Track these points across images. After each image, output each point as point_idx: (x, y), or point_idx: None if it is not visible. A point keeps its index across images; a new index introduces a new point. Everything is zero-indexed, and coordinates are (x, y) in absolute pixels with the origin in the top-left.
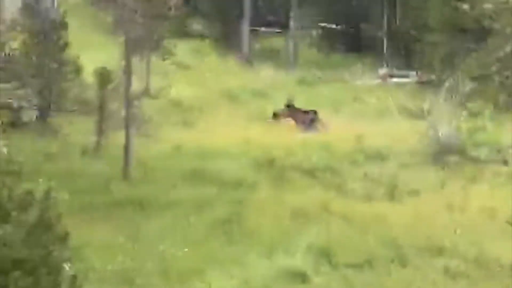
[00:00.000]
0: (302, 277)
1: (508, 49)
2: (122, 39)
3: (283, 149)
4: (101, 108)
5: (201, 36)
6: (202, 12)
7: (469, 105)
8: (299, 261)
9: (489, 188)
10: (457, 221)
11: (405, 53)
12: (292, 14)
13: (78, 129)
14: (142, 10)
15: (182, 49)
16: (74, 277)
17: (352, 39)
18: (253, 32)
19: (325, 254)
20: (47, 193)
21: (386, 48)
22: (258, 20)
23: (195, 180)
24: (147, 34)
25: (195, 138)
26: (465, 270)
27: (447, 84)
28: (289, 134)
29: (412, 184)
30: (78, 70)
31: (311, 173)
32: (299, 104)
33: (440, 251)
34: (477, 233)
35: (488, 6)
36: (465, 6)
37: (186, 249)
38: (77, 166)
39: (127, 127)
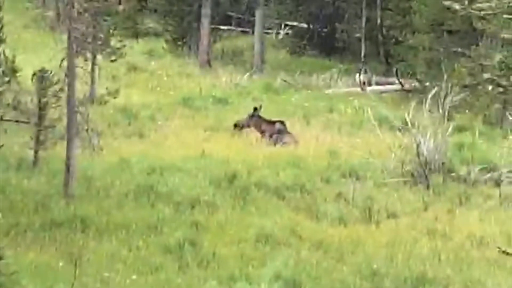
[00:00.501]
0: None
1: (501, 54)
2: (65, 37)
3: (246, 164)
4: (40, 116)
5: (155, 35)
6: (156, 8)
7: (457, 117)
8: None
9: (479, 213)
10: (442, 250)
11: (386, 57)
12: (258, 11)
13: (14, 140)
14: (86, 3)
15: (134, 49)
16: None
17: (326, 41)
18: (214, 31)
19: (293, 285)
20: None
21: (365, 51)
22: (220, 18)
23: (145, 198)
24: (92, 32)
25: (146, 151)
26: None
27: (432, 93)
28: (253, 147)
29: (392, 206)
30: (13, 72)
31: (278, 192)
32: (265, 113)
33: (422, 283)
34: (464, 263)
35: (482, 5)
36: (456, 6)
37: (134, 277)
38: (12, 182)
39: (69, 138)
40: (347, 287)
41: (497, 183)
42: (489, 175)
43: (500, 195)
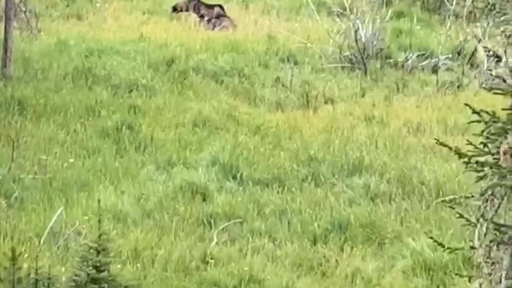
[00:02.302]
0: (203, 194)
1: None
2: None
3: (184, 48)
4: None
5: None
6: None
7: (396, 3)
8: (201, 176)
9: (416, 100)
10: (378, 136)
11: None
12: None
13: None
14: None
15: None
16: None
17: None
18: None
19: (230, 170)
20: None
21: None
22: None
23: (83, 81)
24: None
25: (84, 33)
26: (386, 190)
27: None
28: (191, 31)
29: (329, 92)
30: None
31: (216, 76)
32: None
33: (358, 169)
34: (400, 150)
35: None
36: None
37: (71, 160)
38: None
39: (7, 19)
40: (284, 172)
41: (434, 70)
42: (426, 61)
43: (437, 82)
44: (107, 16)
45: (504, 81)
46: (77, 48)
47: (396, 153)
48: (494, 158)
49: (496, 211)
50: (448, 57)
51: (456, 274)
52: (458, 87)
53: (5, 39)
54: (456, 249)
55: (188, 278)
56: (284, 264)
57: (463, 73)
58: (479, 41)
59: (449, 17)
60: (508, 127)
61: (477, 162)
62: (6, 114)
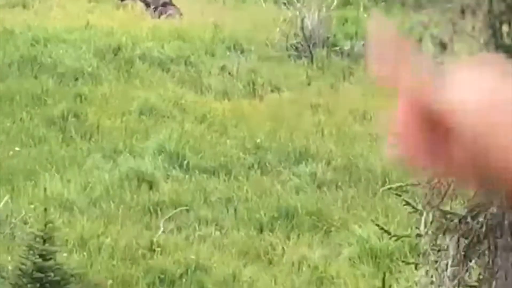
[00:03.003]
0: (150, 182)
1: None
2: None
3: (130, 36)
4: None
5: None
6: None
7: None
8: (147, 164)
9: (362, 88)
10: (325, 124)
11: None
12: None
13: None
14: None
15: None
16: None
17: None
18: None
19: (176, 158)
20: None
21: None
22: None
23: (29, 69)
24: None
25: (30, 21)
26: (333, 178)
27: None
28: (137, 19)
29: (276, 80)
30: None
31: (162, 65)
32: None
33: (304, 157)
34: (346, 138)
35: None
36: None
37: (17, 148)
38: None
39: None
40: (230, 160)
41: None
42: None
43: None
44: (53, 4)
45: None
46: (22, 36)
47: (342, 141)
48: None
49: (442, 198)
50: None
51: (403, 261)
52: None
53: None
54: (402, 237)
55: (134, 267)
56: (230, 252)
57: None
58: (425, 28)
59: (395, 5)
60: None
61: None
62: None
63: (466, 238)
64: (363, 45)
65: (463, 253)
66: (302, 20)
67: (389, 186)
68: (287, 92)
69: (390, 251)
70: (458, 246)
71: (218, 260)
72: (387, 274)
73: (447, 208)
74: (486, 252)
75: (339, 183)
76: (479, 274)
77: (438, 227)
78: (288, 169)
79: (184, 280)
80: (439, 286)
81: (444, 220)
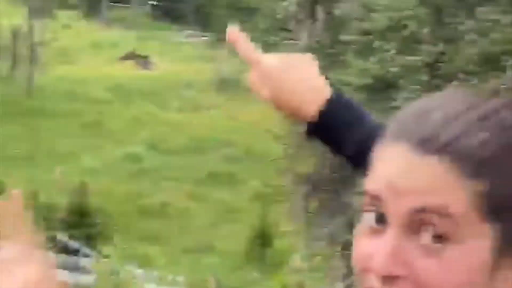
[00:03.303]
0: (139, 159)
1: None
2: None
3: (128, 78)
4: (14, 50)
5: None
6: None
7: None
8: (137, 149)
9: (257, 107)
10: (234, 126)
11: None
12: None
13: None
14: None
15: (65, 14)
16: None
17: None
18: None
19: (154, 146)
20: None
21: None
22: None
23: (71, 97)
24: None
25: (73, 71)
26: (239, 157)
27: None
28: (132, 69)
29: (206, 102)
30: None
31: (144, 93)
32: (139, 51)
33: (224, 144)
34: (247, 134)
35: None
36: None
37: (66, 141)
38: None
39: (31, 62)
40: (183, 147)
41: None
42: None
43: None
44: (87, 63)
45: None
46: (70, 79)
47: (245, 137)
48: None
49: None
50: None
51: None
52: None
53: (30, 76)
54: None
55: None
56: None
57: None
58: None
59: None
60: None
61: None
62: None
63: None
64: None
65: None
66: (220, 70)
67: None
68: (213, 110)
69: None
70: None
71: None
72: None
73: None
74: None
75: (244, 160)
76: None
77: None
78: (213, 150)
79: None
80: None
81: None
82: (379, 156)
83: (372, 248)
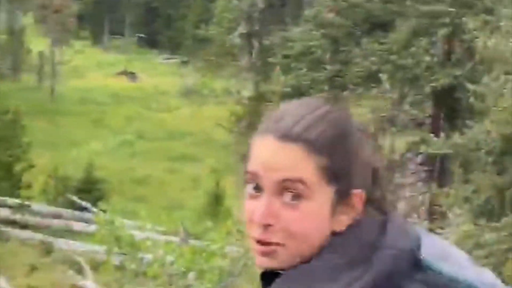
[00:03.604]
0: (131, 145)
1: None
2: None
3: (120, 88)
4: (41, 68)
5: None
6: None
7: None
8: (130, 138)
9: (212, 108)
10: (196, 121)
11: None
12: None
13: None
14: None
15: (78, 43)
16: (27, 143)
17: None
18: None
19: (141, 135)
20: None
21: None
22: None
23: (82, 102)
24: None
25: (83, 83)
26: (200, 143)
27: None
28: (122, 81)
29: (176, 105)
30: (28, 51)
31: (132, 98)
32: (129, 69)
33: (189, 134)
34: (205, 127)
35: None
36: None
37: (78, 132)
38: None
39: (52, 77)
40: (162, 136)
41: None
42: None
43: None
44: (91, 75)
45: None
46: (76, 90)
47: (203, 129)
48: None
49: None
50: None
51: None
52: None
53: (52, 87)
54: None
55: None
56: None
57: None
58: None
59: None
60: None
61: None
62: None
63: None
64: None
65: None
66: (186, 83)
67: None
68: (182, 109)
69: None
70: None
71: None
72: None
73: None
74: None
75: (202, 145)
76: None
77: None
78: (182, 137)
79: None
80: None
81: None
82: (254, 146)
83: (254, 206)
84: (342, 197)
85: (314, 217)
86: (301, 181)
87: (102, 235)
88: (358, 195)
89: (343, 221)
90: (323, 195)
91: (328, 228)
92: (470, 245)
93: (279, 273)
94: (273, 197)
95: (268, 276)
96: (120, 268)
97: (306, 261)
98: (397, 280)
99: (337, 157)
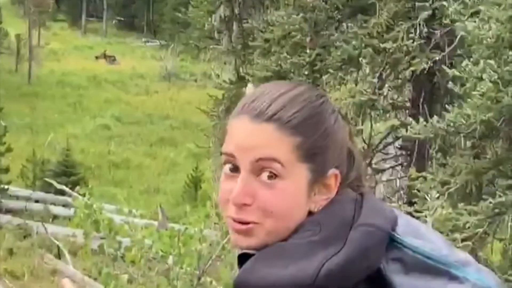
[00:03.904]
0: (108, 128)
1: None
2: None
3: (100, 71)
4: (18, 50)
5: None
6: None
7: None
8: (107, 121)
9: (189, 92)
10: (175, 105)
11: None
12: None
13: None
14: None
15: (55, 25)
16: (5, 126)
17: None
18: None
19: (119, 119)
20: None
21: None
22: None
23: (60, 85)
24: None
25: (61, 66)
26: (178, 127)
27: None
28: (102, 64)
29: (155, 88)
30: (5, 34)
31: (113, 82)
32: (108, 52)
33: (167, 118)
34: (184, 111)
35: None
36: None
37: (56, 115)
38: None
39: (30, 60)
40: (139, 118)
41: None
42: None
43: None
44: (75, 59)
45: None
46: (61, 72)
47: (183, 111)
48: None
49: None
50: None
51: None
52: None
53: (29, 71)
54: None
55: None
56: None
57: None
58: None
59: None
60: None
61: None
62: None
63: None
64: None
65: None
66: (167, 66)
67: None
68: (161, 93)
69: None
70: None
71: None
72: None
73: None
74: None
75: (182, 129)
76: None
77: None
78: (160, 122)
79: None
80: None
81: None
82: (230, 127)
83: (231, 186)
84: (317, 177)
85: (290, 196)
86: (275, 160)
87: (80, 218)
88: (333, 175)
89: (318, 201)
90: (298, 175)
91: (304, 208)
92: (448, 228)
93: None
94: (250, 177)
95: (245, 258)
96: (99, 252)
97: (282, 240)
98: (373, 257)
99: (312, 137)
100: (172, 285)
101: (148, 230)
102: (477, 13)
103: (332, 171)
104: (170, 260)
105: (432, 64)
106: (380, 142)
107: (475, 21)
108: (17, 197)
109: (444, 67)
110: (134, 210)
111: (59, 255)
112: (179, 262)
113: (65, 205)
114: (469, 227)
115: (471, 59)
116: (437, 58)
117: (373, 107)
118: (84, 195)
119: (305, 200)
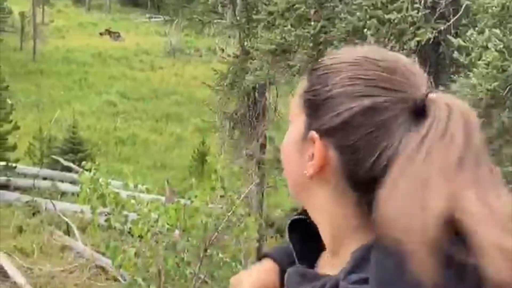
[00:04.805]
0: (114, 104)
1: None
2: None
3: (104, 47)
4: (22, 28)
5: None
6: None
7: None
8: (113, 97)
9: (194, 67)
10: (180, 80)
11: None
12: None
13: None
14: None
15: (59, 3)
16: (11, 104)
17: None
18: None
19: (124, 95)
20: None
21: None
22: None
23: (65, 62)
24: None
25: (66, 43)
26: (184, 102)
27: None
28: (107, 41)
29: (160, 64)
30: (9, 12)
31: (118, 58)
32: (113, 29)
33: (173, 93)
34: (189, 86)
35: None
36: None
37: (62, 92)
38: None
39: (34, 37)
40: (145, 95)
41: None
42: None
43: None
44: (78, 36)
45: None
46: (63, 49)
47: (188, 87)
48: None
49: None
50: None
51: None
52: None
53: (34, 48)
54: None
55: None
56: None
57: None
58: None
59: None
60: None
61: None
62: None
63: None
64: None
65: None
66: (171, 42)
67: None
68: (166, 69)
69: None
70: None
71: None
72: None
73: None
74: None
75: (186, 104)
76: None
77: None
78: (166, 98)
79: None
80: None
81: None
82: None
83: None
84: (309, 124)
85: (290, 139)
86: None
87: (86, 193)
88: (311, 139)
89: (309, 165)
90: (300, 120)
91: (300, 165)
92: None
93: (305, 221)
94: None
95: (296, 225)
96: (107, 228)
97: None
98: None
99: (311, 94)
100: (179, 257)
101: (154, 204)
102: None
103: (311, 134)
104: (177, 233)
105: (437, 34)
106: None
107: None
108: (25, 175)
109: (450, 37)
110: (140, 185)
111: (68, 232)
112: (186, 235)
113: (72, 182)
114: None
115: (476, 29)
116: (442, 28)
117: None
118: (89, 170)
119: (299, 153)
